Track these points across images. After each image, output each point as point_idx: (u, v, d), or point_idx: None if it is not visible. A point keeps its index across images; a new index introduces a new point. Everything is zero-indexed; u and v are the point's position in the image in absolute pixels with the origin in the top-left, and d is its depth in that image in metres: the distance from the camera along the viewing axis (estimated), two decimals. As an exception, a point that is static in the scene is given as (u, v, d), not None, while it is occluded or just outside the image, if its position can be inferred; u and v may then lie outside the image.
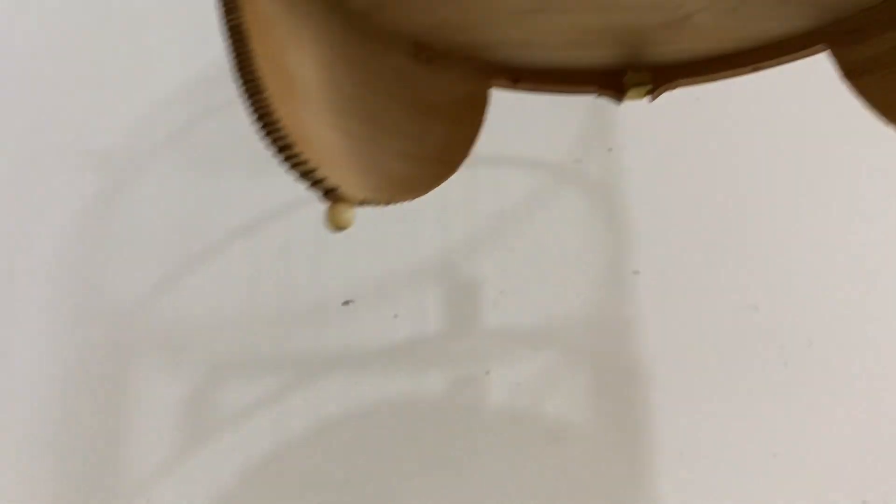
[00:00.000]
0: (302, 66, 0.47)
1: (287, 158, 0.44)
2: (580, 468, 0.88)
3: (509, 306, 0.94)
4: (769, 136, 0.94)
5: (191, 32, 1.06)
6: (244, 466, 0.93)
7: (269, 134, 0.43)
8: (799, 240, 0.91)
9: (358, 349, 0.95)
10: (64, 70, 1.05)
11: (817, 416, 0.87)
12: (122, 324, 0.98)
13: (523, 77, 0.59)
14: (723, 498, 0.86)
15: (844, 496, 0.84)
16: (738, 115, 0.94)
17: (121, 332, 0.98)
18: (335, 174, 0.47)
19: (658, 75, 0.58)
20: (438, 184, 0.55)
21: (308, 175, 0.45)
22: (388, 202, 0.51)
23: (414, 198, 0.54)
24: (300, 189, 1.01)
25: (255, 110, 0.43)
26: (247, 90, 0.42)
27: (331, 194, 0.47)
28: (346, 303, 0.96)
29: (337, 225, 0.48)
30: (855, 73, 0.53)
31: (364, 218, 0.99)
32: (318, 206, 1.01)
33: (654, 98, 0.61)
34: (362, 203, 0.49)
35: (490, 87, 0.59)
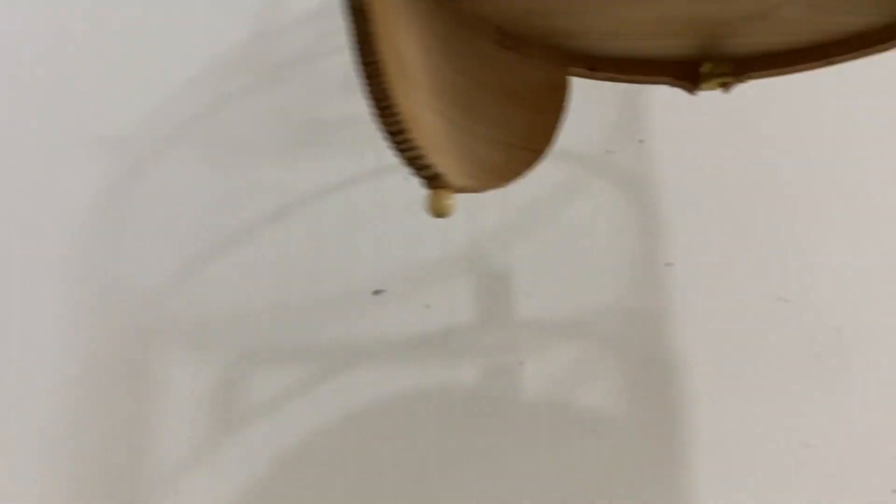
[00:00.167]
0: (410, 49, 0.46)
1: (399, 143, 0.44)
2: (614, 458, 0.89)
3: (542, 297, 0.94)
4: (799, 128, 0.96)
5: (211, 16, 1.04)
6: (274, 457, 0.92)
7: (384, 117, 0.43)
8: (828, 232, 0.93)
9: (389, 339, 0.94)
10: (83, 55, 1.02)
11: (848, 406, 0.88)
12: (148, 312, 0.96)
13: (600, 66, 0.59)
14: (755, 487, 0.87)
15: (875, 485, 0.86)
16: (769, 106, 0.96)
17: (146, 321, 0.96)
18: (439, 160, 0.46)
19: (733, 67, 0.59)
20: (526, 171, 0.54)
21: (416, 161, 0.45)
22: (481, 189, 0.51)
23: (504, 185, 0.54)
24: (328, 176, 1.00)
25: (373, 93, 0.42)
26: (367, 73, 0.41)
27: (435, 181, 0.46)
28: (377, 292, 0.96)
29: (438, 212, 0.47)
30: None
31: (392, 207, 0.99)
32: (345, 195, 1.00)
33: (726, 90, 0.61)
34: (460, 190, 0.49)
35: (568, 74, 0.59)
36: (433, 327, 0.95)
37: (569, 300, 0.94)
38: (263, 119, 1.01)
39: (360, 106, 1.05)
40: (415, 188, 0.99)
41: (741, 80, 0.61)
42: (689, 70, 0.60)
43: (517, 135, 0.54)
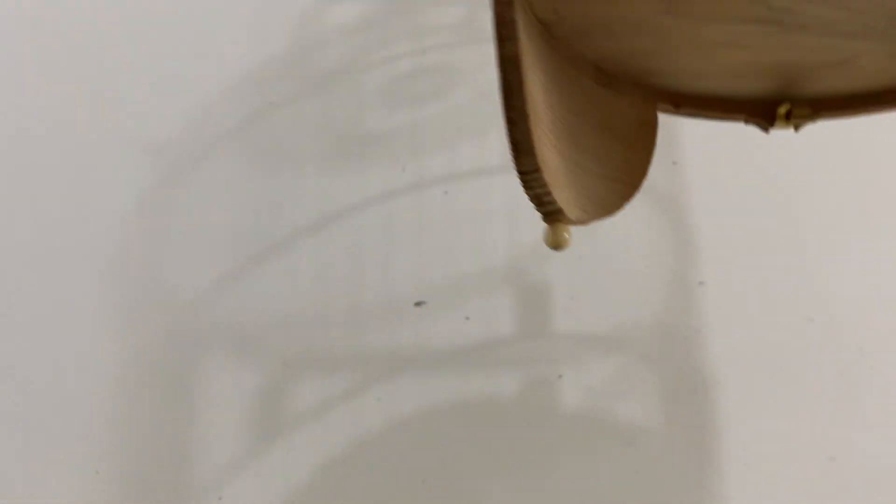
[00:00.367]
0: (534, 87, 0.48)
1: (529, 181, 0.46)
2: (651, 470, 0.92)
3: (579, 312, 0.97)
4: (829, 155, 1.00)
5: (254, 26, 1.05)
6: (316, 464, 0.94)
7: (521, 158, 0.45)
8: (852, 257, 0.97)
9: (430, 350, 0.97)
10: (129, 62, 1.03)
11: (870, 422, 0.93)
12: (191, 319, 0.97)
13: (684, 102, 0.62)
14: (782, 498, 0.92)
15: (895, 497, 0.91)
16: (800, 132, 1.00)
17: (189, 328, 0.97)
18: (559, 196, 0.49)
19: (810, 109, 0.62)
20: (624, 204, 0.57)
21: (543, 197, 0.47)
22: (590, 221, 0.54)
23: (606, 217, 0.56)
24: (369, 188, 1.02)
25: (515, 136, 0.44)
26: (512, 116, 0.44)
27: (554, 216, 0.49)
28: (419, 304, 0.98)
29: (556, 244, 0.50)
30: None
31: (433, 220, 1.01)
32: (385, 206, 1.02)
33: (797, 129, 0.64)
34: (575, 223, 0.51)
35: (657, 111, 0.62)
36: (473, 339, 0.97)
37: (605, 315, 0.97)
38: (306, 129, 1.03)
39: (400, 119, 1.08)
40: (455, 202, 1.01)
41: (813, 120, 0.64)
42: (766, 109, 0.63)
43: (617, 169, 0.57)
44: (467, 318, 0.97)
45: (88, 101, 1.02)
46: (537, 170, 0.46)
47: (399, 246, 0.99)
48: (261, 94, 1.03)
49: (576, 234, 1.02)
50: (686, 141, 1.02)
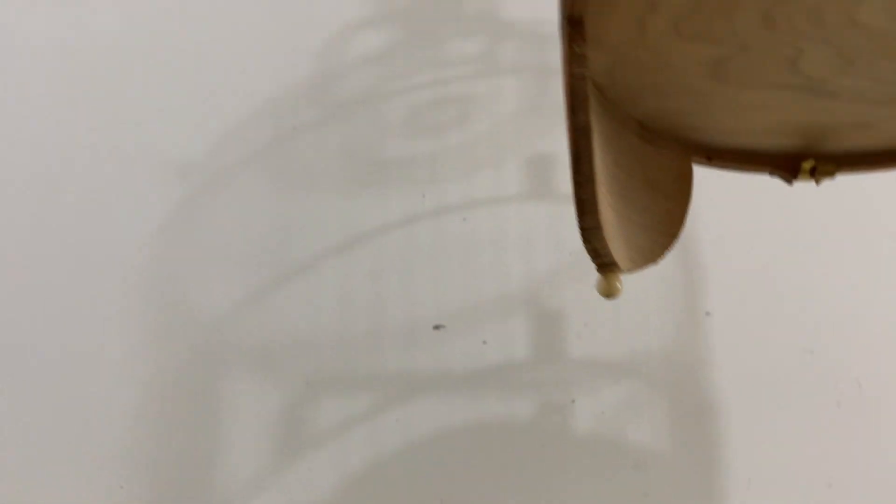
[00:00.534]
0: (594, 150, 0.52)
1: (590, 236, 0.50)
2: (660, 492, 0.97)
3: (592, 339, 1.01)
4: (831, 193, 1.05)
5: (279, 54, 1.08)
6: (336, 483, 0.97)
7: (585, 216, 0.49)
8: (851, 291, 1.02)
9: (448, 373, 1.00)
10: (156, 83, 1.05)
11: (866, 450, 0.98)
12: (214, 339, 0.99)
13: (715, 155, 0.66)
14: (782, 521, 0.96)
15: (889, 522, 0.96)
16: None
17: (212, 347, 0.99)
18: (612, 248, 0.52)
19: (835, 166, 0.67)
20: (664, 254, 0.61)
21: (600, 250, 0.51)
22: (636, 270, 0.57)
23: (650, 265, 0.60)
24: (390, 213, 1.05)
25: (581, 196, 0.48)
26: (580, 179, 0.47)
27: (609, 267, 0.53)
28: (437, 327, 1.01)
29: (609, 293, 0.54)
30: None
31: (451, 246, 1.04)
32: (406, 232, 1.05)
33: (818, 183, 0.69)
34: (625, 272, 0.55)
35: (692, 163, 0.66)
36: (489, 363, 1.01)
37: (617, 342, 1.01)
38: (329, 155, 1.06)
39: (421, 147, 1.11)
40: (473, 229, 1.05)
41: (832, 175, 0.69)
42: (791, 163, 0.67)
43: (660, 220, 0.61)
44: (484, 343, 1.01)
45: (117, 124, 1.04)
46: (598, 227, 0.49)
47: (419, 270, 1.03)
48: (286, 119, 1.06)
49: (589, 263, 1.05)
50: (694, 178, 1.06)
